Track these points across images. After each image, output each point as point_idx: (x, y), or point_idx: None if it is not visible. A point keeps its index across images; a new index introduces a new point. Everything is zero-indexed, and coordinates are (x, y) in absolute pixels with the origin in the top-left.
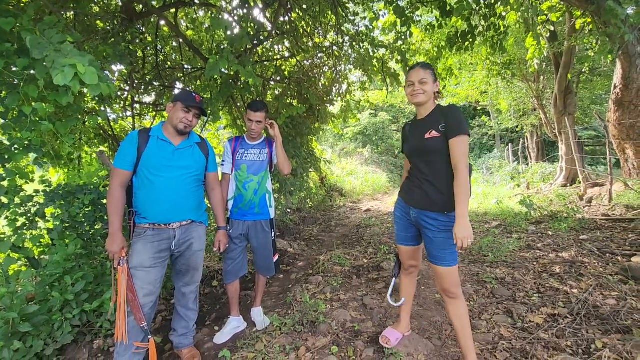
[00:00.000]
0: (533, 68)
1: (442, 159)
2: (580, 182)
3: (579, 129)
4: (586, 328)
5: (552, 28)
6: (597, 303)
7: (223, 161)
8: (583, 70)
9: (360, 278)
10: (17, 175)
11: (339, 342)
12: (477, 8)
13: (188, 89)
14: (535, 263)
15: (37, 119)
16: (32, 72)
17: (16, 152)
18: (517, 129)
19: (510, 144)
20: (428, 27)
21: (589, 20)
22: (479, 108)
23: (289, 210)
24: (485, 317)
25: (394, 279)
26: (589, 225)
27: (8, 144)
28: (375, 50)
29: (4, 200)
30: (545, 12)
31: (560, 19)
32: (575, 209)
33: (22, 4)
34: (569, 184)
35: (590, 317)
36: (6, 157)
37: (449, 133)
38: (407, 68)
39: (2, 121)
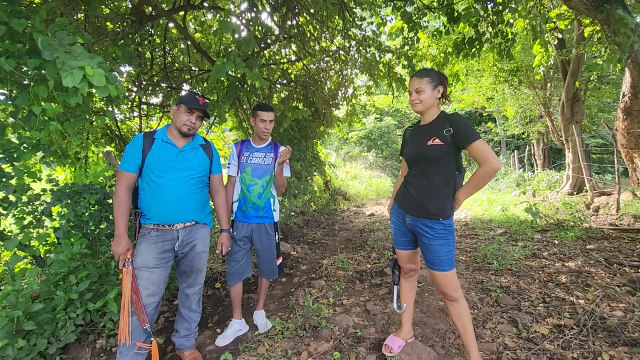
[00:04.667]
0: (539, 75)
1: (441, 167)
2: (587, 191)
3: (587, 137)
4: (593, 340)
5: (560, 35)
6: (604, 314)
7: (229, 164)
8: (591, 78)
9: (363, 283)
10: (25, 174)
11: (341, 348)
12: (485, 15)
13: (195, 90)
14: (540, 272)
15: (46, 118)
16: (42, 72)
17: (25, 151)
18: (523, 136)
19: (516, 151)
20: (435, 32)
21: (598, 28)
22: (484, 114)
23: (292, 213)
24: (489, 325)
25: (396, 286)
26: (596, 235)
27: (17, 142)
28: (382, 55)
29: (12, 198)
30: (554, 20)
31: (569, 26)
32: (582, 217)
33: (35, 5)
34: (575, 192)
35: (597, 328)
36: (15, 155)
37: (463, 141)
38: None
39: (12, 120)
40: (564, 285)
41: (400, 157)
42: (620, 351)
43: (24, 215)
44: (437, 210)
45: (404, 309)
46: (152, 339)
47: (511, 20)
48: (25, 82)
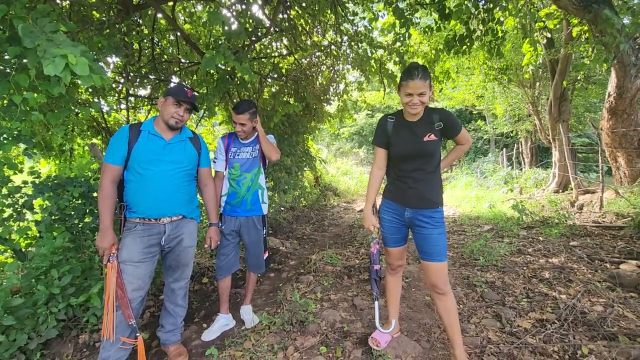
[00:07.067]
0: (528, 74)
1: (435, 158)
2: (572, 189)
3: (573, 136)
4: (573, 334)
5: (549, 35)
6: (585, 309)
7: (215, 158)
8: (578, 78)
9: (351, 278)
10: (5, 166)
11: (327, 343)
12: (476, 12)
13: (184, 83)
14: (525, 268)
15: (28, 108)
16: (23, 60)
17: (5, 142)
18: (511, 134)
19: (504, 149)
20: (427, 29)
21: (586, 28)
22: (474, 112)
23: (282, 209)
24: (474, 320)
25: (376, 302)
26: (579, 232)
27: None
28: (374, 51)
29: None
30: (543, 19)
31: (558, 26)
32: (567, 215)
33: None
34: (561, 190)
35: (578, 323)
36: None
37: (455, 132)
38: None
39: None
40: (547, 281)
41: (374, 146)
42: (599, 345)
43: (4, 208)
44: (437, 199)
45: (391, 329)
46: (137, 334)
47: (501, 19)
48: (5, 71)
